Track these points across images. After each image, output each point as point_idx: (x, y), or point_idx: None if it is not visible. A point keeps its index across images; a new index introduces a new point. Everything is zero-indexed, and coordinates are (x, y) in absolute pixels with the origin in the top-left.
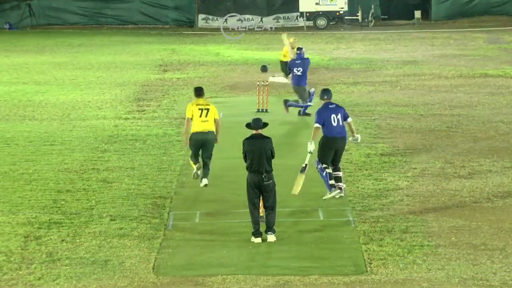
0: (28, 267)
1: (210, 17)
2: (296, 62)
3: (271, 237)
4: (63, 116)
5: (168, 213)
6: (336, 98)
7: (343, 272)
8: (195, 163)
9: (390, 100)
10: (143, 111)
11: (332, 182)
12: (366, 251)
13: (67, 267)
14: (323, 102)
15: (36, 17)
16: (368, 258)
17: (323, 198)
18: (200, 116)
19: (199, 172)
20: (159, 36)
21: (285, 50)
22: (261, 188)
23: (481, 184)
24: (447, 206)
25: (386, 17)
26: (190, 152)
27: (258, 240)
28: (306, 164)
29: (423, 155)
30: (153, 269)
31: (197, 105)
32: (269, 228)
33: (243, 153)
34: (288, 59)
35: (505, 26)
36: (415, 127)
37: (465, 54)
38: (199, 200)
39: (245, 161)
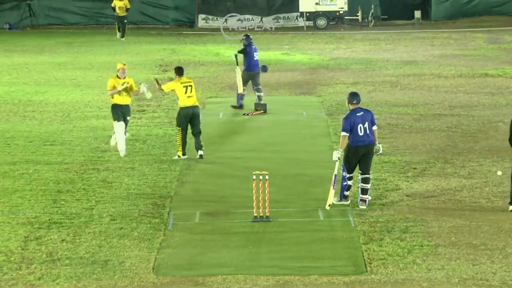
0: (28, 267)
1: (210, 17)
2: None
3: None
4: (63, 116)
5: (168, 213)
6: (336, 98)
7: (343, 272)
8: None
9: (390, 100)
10: (143, 111)
11: (347, 193)
12: (366, 251)
13: (67, 267)
14: (351, 107)
15: (36, 17)
16: (368, 258)
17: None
18: (186, 92)
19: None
20: (159, 36)
21: None
22: None
23: (481, 184)
24: (447, 206)
25: (386, 17)
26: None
27: None
28: (335, 175)
29: (423, 155)
30: (153, 269)
31: (181, 83)
32: None
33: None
34: None
35: (505, 26)
36: (415, 127)
37: (465, 54)
38: (199, 200)
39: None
